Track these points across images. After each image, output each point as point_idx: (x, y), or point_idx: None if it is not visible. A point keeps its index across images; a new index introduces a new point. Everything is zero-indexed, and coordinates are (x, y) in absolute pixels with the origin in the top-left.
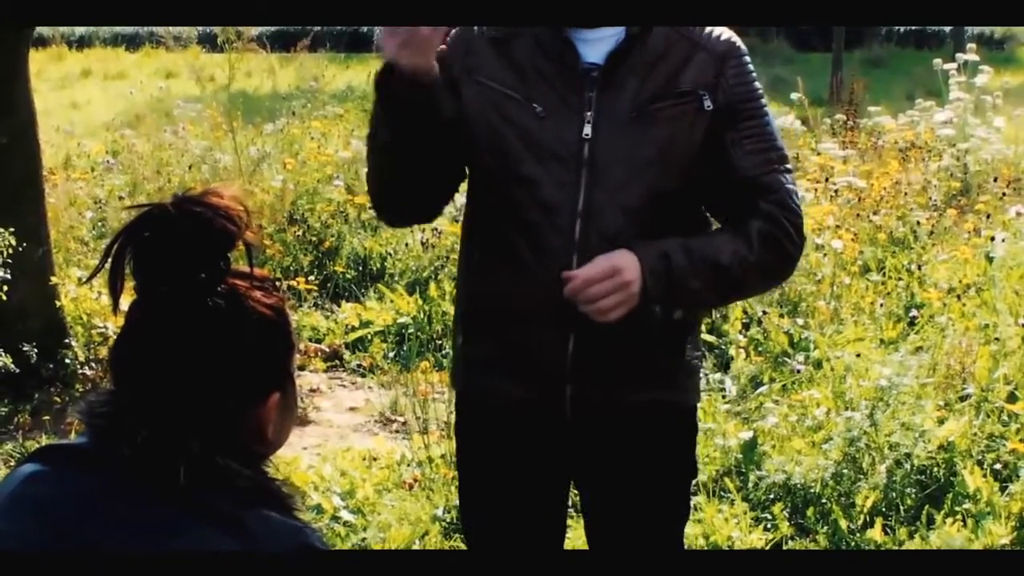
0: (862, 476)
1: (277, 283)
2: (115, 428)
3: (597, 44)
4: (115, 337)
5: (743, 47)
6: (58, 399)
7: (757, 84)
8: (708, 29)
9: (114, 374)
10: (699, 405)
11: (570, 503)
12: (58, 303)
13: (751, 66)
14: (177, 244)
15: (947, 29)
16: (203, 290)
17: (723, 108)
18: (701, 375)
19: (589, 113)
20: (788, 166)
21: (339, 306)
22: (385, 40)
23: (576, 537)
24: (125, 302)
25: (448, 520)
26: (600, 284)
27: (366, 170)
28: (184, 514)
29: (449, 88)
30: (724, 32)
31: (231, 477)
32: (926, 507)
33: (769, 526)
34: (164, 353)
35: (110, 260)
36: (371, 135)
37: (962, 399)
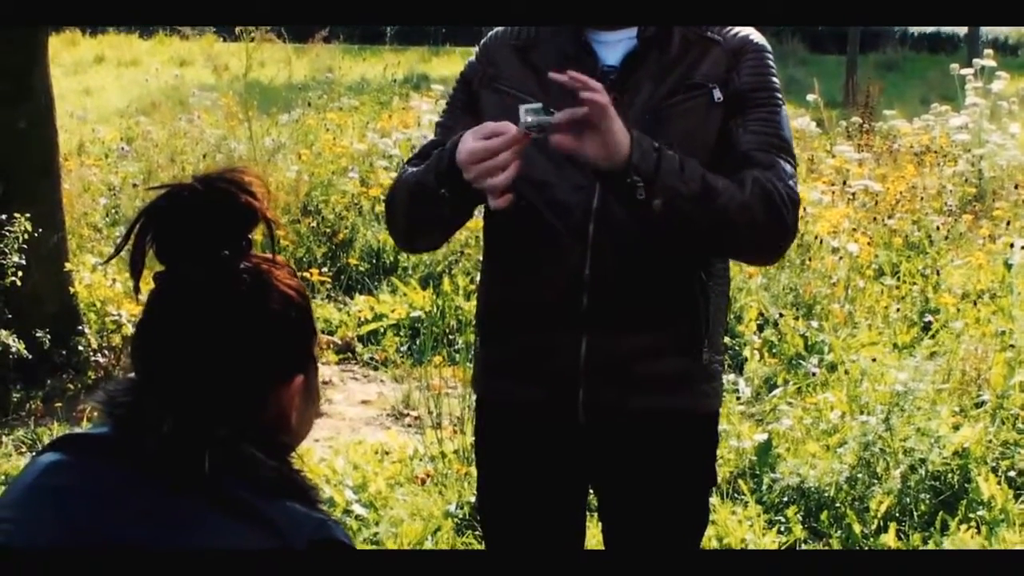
0: (876, 481)
1: (293, 268)
2: (138, 418)
3: (615, 47)
4: (136, 323)
5: (763, 43)
6: (71, 386)
7: (773, 78)
8: (729, 28)
9: (137, 359)
10: (719, 412)
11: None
12: (72, 290)
13: (771, 62)
14: (199, 220)
15: (961, 34)
16: (227, 267)
17: (732, 98)
18: (721, 381)
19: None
20: (790, 156)
21: (352, 298)
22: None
23: (592, 537)
24: (144, 289)
25: (461, 516)
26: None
27: (392, 205)
28: (206, 507)
29: (470, 104)
30: (744, 30)
31: (256, 467)
32: (940, 513)
33: (783, 529)
34: (190, 331)
35: (132, 240)
36: (423, 185)
37: (977, 406)
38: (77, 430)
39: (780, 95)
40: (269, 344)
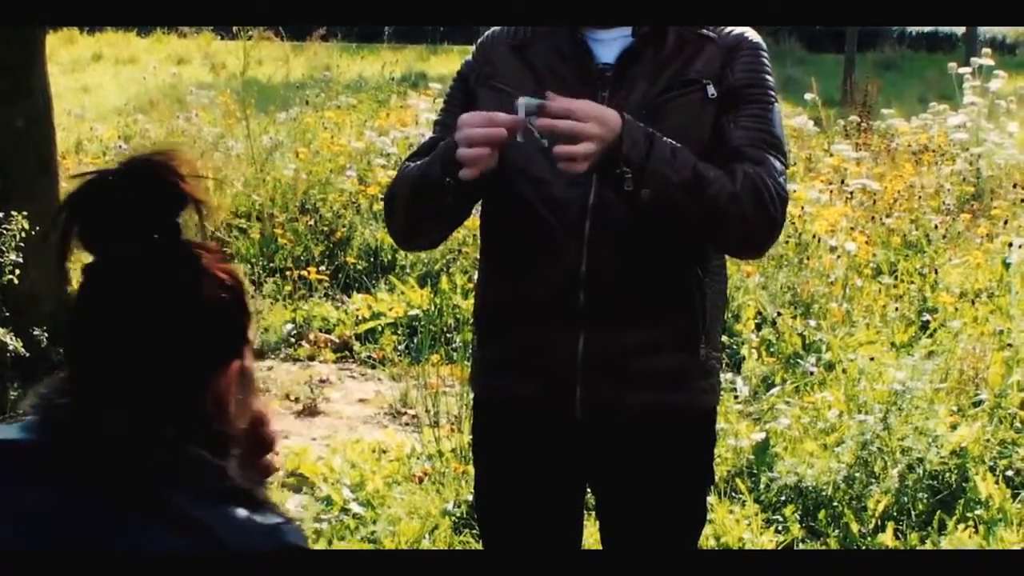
0: (874, 480)
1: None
2: (76, 422)
3: (611, 44)
4: (66, 320)
5: (757, 41)
6: None
7: (767, 76)
8: (725, 27)
9: (70, 357)
10: (716, 408)
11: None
12: (69, 288)
13: (765, 60)
14: (126, 204)
15: (959, 33)
16: (159, 251)
17: (726, 94)
18: (719, 378)
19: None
20: (781, 154)
21: (350, 297)
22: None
23: (589, 535)
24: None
25: (458, 514)
26: (576, 123)
27: (392, 202)
28: (147, 522)
29: (467, 101)
30: (739, 28)
31: (201, 471)
32: (938, 512)
33: (780, 528)
34: (121, 319)
35: (59, 231)
36: (427, 177)
37: (975, 405)
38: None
39: (773, 92)
40: (203, 329)
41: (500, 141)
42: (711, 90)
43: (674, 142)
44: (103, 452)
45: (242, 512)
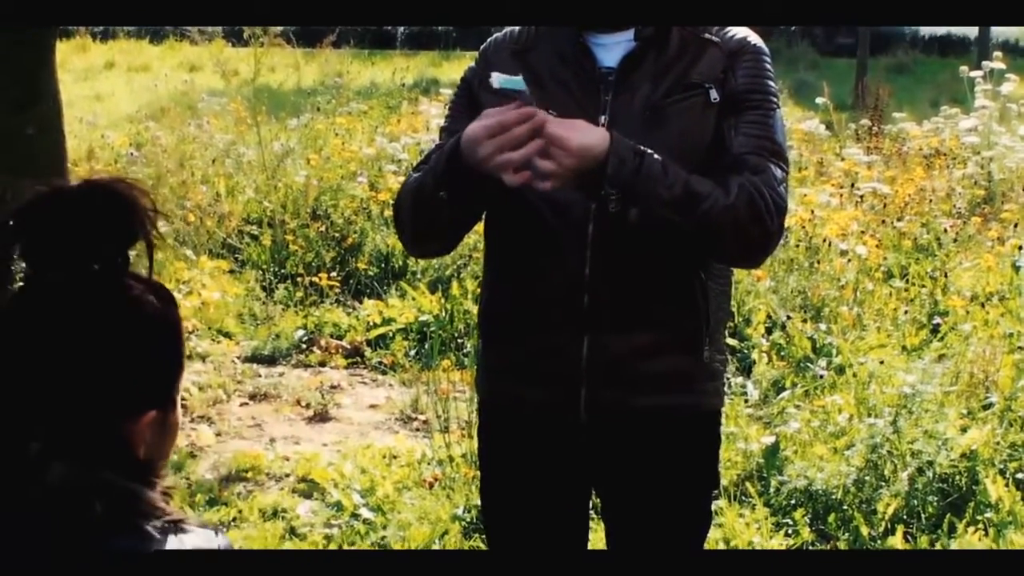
0: (884, 483)
1: (174, 296)
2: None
3: (614, 48)
4: None
5: (760, 46)
6: None
7: (770, 82)
8: (727, 29)
9: None
10: (722, 411)
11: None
12: None
13: (768, 65)
14: (72, 229)
15: (972, 36)
16: (94, 283)
17: (727, 99)
18: (724, 380)
19: (604, 116)
20: (781, 161)
21: (361, 303)
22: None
23: (597, 540)
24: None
25: (468, 519)
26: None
27: (401, 210)
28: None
29: (471, 107)
30: (741, 31)
31: (137, 507)
32: (948, 515)
33: (790, 532)
34: (41, 344)
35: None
36: (423, 189)
37: (985, 408)
38: None
39: (775, 98)
40: (115, 374)
41: (530, 133)
42: (713, 94)
43: (665, 159)
44: (11, 477)
45: (168, 535)
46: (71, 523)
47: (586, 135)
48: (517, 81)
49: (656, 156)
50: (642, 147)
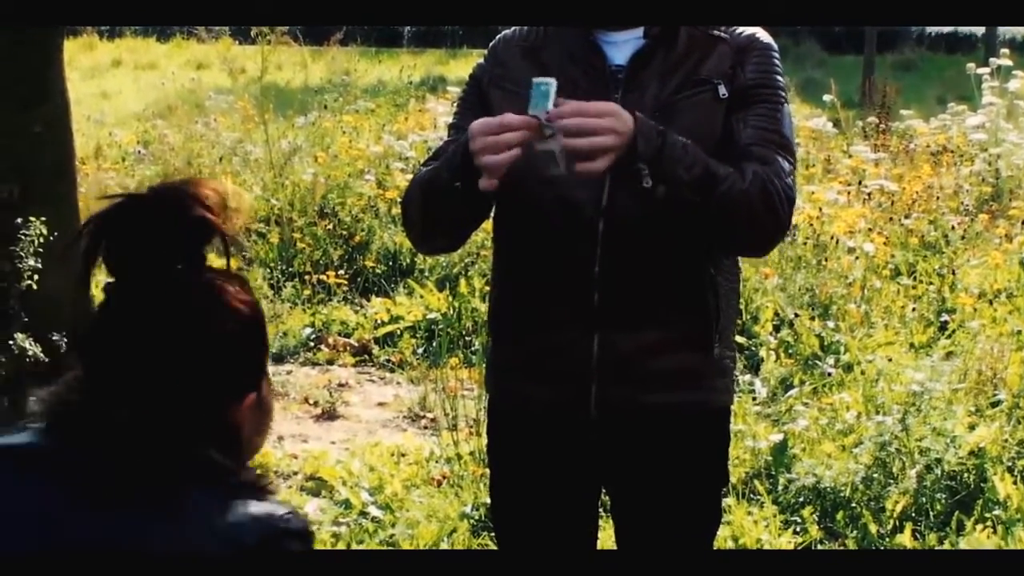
0: (892, 481)
1: (247, 279)
2: (88, 422)
3: (623, 46)
4: (82, 333)
5: (769, 42)
6: None
7: (778, 76)
8: (736, 27)
9: (88, 367)
10: (731, 408)
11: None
12: (89, 295)
13: (776, 60)
14: (151, 234)
15: (979, 34)
16: (178, 283)
17: (736, 94)
18: (734, 377)
19: None
20: (789, 154)
21: (369, 301)
22: (475, 146)
23: (606, 538)
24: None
25: (476, 517)
26: (589, 118)
27: (407, 206)
28: (151, 516)
29: (481, 104)
30: (749, 28)
31: (212, 468)
32: (956, 513)
33: (798, 529)
34: (138, 345)
35: (83, 251)
36: (436, 182)
37: (993, 405)
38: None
39: (784, 93)
40: (217, 365)
41: (521, 143)
42: (722, 90)
43: (685, 139)
44: (114, 451)
45: (252, 505)
46: (184, 488)
47: (610, 105)
48: (550, 84)
49: (676, 136)
50: (661, 127)
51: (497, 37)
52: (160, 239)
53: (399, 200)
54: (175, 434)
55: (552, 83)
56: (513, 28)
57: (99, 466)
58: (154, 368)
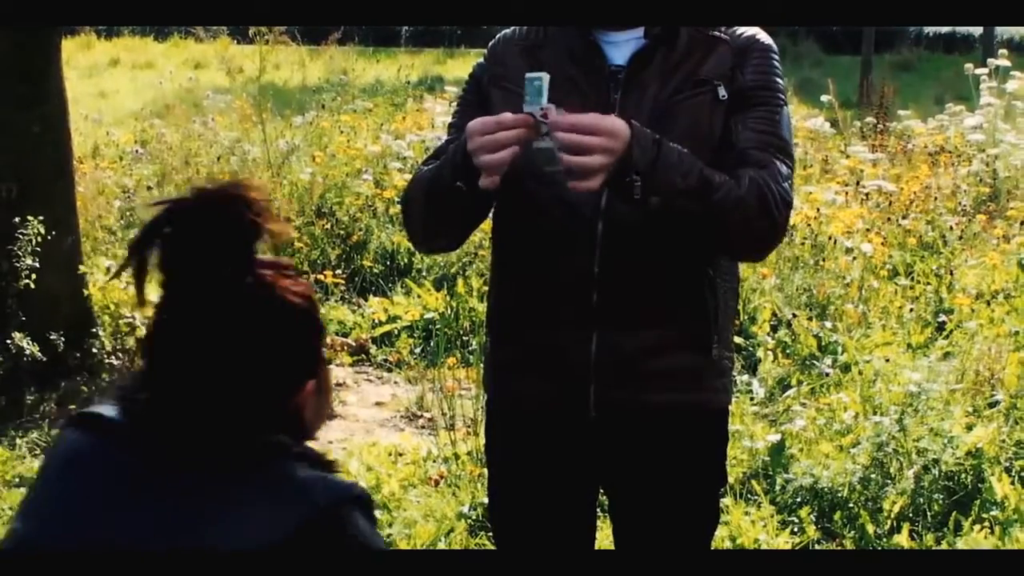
0: (890, 481)
1: (296, 266)
2: (155, 409)
3: (623, 46)
4: (147, 326)
5: (769, 43)
6: (85, 388)
7: (777, 79)
8: (736, 28)
9: (148, 361)
10: (729, 408)
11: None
12: (85, 292)
13: (776, 62)
14: (202, 238)
15: (976, 34)
16: (231, 283)
17: (736, 95)
18: (732, 377)
19: (613, 114)
20: (787, 157)
21: (366, 300)
22: (471, 146)
23: (604, 538)
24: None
25: (474, 517)
26: (585, 136)
27: (408, 206)
28: (235, 478)
29: (481, 103)
30: (750, 29)
31: (283, 449)
32: (954, 513)
33: (796, 530)
34: (196, 349)
35: (135, 255)
36: (438, 180)
37: (991, 405)
38: (96, 409)
39: (783, 95)
40: (274, 359)
41: (519, 141)
42: (722, 91)
43: (680, 147)
44: (184, 439)
45: (320, 473)
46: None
47: (604, 118)
48: (542, 79)
49: (672, 144)
50: (657, 136)
51: (496, 36)
52: (211, 244)
53: (397, 200)
54: (239, 425)
55: (544, 77)
56: (513, 28)
57: (173, 448)
58: (213, 366)
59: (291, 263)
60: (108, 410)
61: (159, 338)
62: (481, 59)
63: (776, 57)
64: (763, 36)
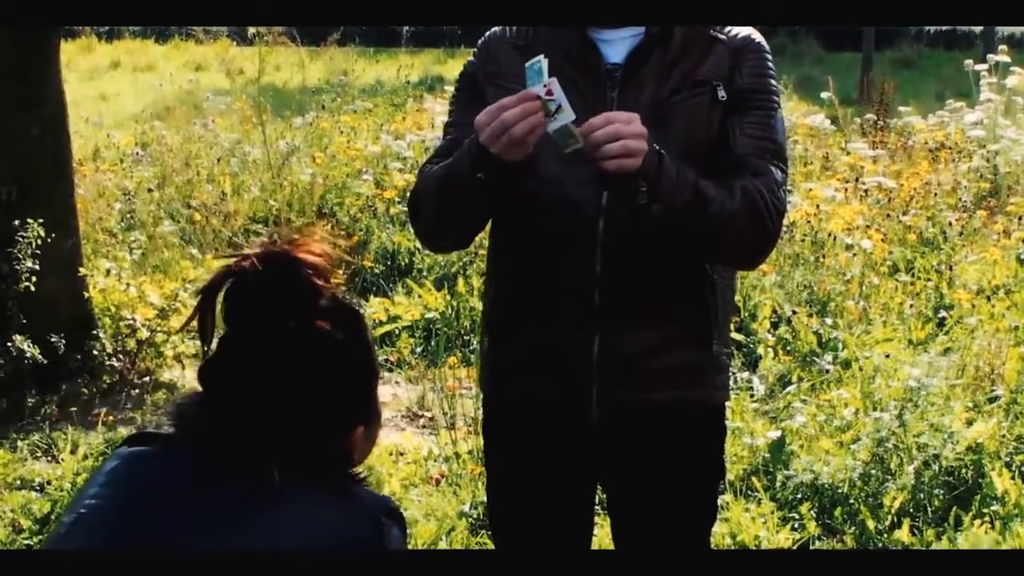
0: (890, 477)
1: (359, 307)
2: (210, 427)
3: (619, 45)
4: (207, 360)
5: (763, 44)
6: (85, 390)
7: (772, 81)
8: (731, 28)
9: (207, 389)
10: (727, 404)
11: (597, 502)
12: (86, 294)
13: (770, 64)
14: (262, 300)
15: (977, 31)
16: (292, 338)
17: (733, 97)
18: (729, 373)
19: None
20: (782, 163)
21: (367, 300)
22: (483, 139)
23: (602, 536)
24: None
25: (475, 516)
26: (621, 125)
27: (418, 204)
28: (294, 487)
29: (478, 99)
30: (745, 30)
31: (322, 468)
32: (954, 509)
33: (796, 526)
34: (250, 393)
35: (200, 308)
36: (453, 176)
37: (991, 401)
38: (154, 430)
39: (777, 98)
40: (326, 409)
41: (523, 116)
42: (721, 92)
43: (677, 161)
44: (236, 461)
45: (364, 491)
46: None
47: (632, 115)
48: (540, 61)
49: (670, 158)
50: (656, 146)
51: (487, 33)
52: (271, 305)
53: (397, 200)
54: (288, 463)
55: (542, 59)
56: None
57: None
58: (268, 410)
59: (353, 310)
60: (162, 430)
61: (216, 371)
62: (471, 56)
63: (770, 58)
64: (757, 36)
